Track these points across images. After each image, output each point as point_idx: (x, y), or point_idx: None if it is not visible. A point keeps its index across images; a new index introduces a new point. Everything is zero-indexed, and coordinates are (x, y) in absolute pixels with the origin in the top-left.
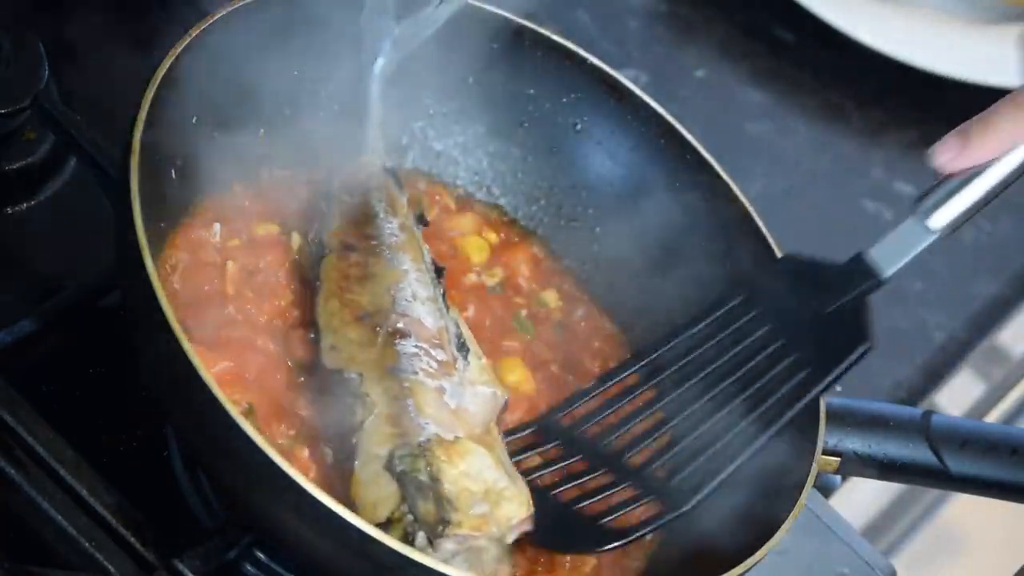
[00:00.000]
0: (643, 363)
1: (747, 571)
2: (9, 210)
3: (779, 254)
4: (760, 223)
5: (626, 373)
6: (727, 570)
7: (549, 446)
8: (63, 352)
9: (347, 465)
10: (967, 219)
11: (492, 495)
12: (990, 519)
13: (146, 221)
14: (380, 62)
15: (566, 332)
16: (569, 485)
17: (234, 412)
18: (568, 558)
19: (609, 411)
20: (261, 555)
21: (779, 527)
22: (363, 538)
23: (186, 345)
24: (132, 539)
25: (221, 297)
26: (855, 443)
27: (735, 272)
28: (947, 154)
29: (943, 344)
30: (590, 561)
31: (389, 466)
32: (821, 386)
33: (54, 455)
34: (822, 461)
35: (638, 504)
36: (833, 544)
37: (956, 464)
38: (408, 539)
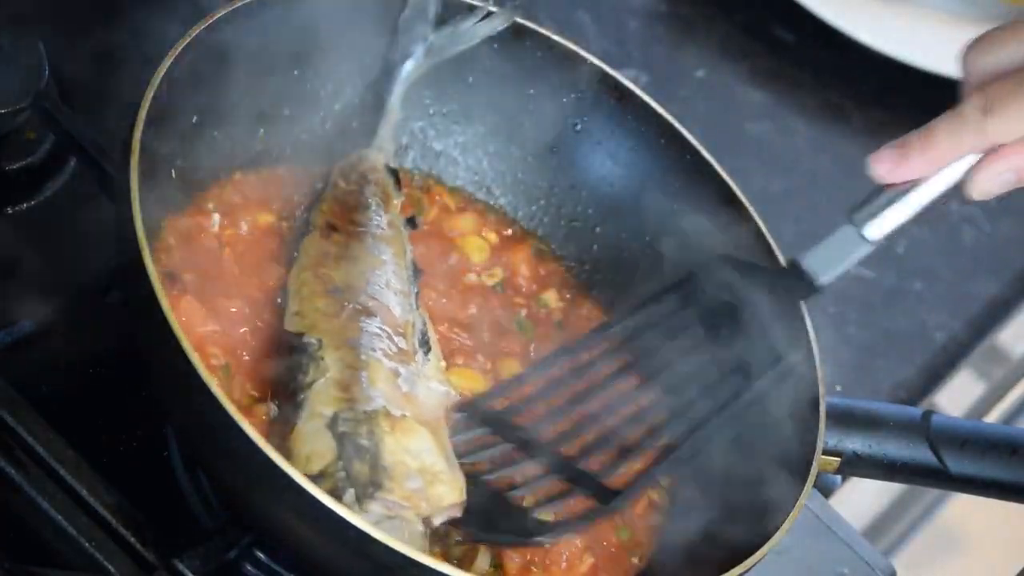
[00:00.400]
0: (575, 354)
1: (747, 571)
2: (9, 210)
3: (780, 254)
4: (761, 223)
5: (559, 361)
6: (727, 570)
7: (482, 431)
8: (63, 352)
9: (291, 421)
10: (903, 230)
11: (427, 475)
12: (990, 519)
13: (146, 220)
14: (409, 65)
15: (566, 332)
16: (500, 472)
17: (234, 412)
18: (564, 557)
19: (543, 399)
20: (261, 555)
21: (779, 527)
22: (363, 538)
23: (186, 345)
24: (132, 539)
25: (218, 270)
26: (855, 443)
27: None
28: (885, 165)
29: (943, 344)
30: (587, 560)
31: (332, 425)
32: (750, 392)
33: (54, 455)
34: (822, 461)
35: (568, 499)
36: (833, 544)
37: (956, 464)
38: (336, 494)
